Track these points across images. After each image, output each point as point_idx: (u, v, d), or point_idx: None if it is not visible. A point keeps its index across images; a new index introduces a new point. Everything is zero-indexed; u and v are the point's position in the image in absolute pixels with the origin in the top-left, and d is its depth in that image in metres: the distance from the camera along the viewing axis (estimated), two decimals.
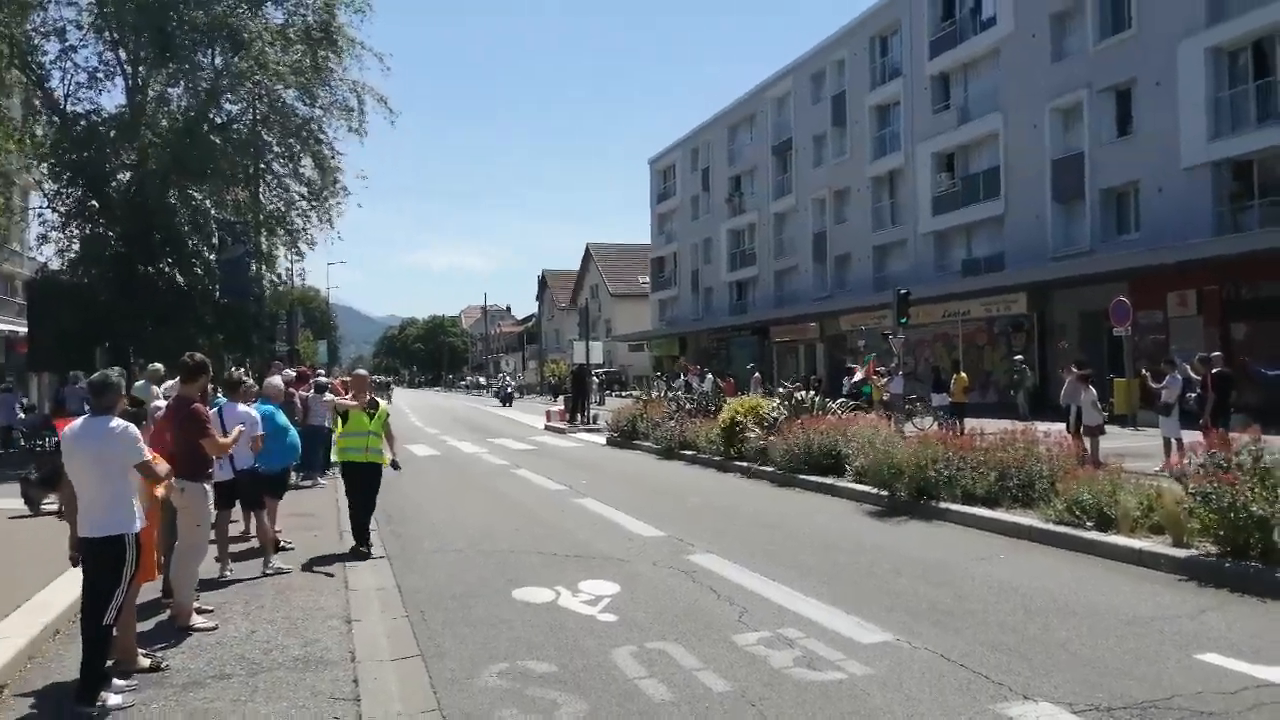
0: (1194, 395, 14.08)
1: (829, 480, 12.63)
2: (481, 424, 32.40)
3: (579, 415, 27.80)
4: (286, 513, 10.00)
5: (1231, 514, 7.02)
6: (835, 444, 12.98)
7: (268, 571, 8.11)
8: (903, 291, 23.78)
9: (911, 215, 36.39)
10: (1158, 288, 24.10)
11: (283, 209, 23.36)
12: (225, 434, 7.03)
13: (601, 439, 22.62)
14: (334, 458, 10.02)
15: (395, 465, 9.58)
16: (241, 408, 7.94)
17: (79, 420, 5.03)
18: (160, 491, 5.69)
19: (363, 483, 9.19)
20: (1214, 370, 13.72)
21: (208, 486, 6.56)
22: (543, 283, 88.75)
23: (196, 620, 6.40)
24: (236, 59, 20.85)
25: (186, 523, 6.38)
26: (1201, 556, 7.30)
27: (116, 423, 4.94)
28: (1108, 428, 15.96)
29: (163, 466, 5.22)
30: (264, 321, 24.99)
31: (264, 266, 23.70)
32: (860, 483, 11.97)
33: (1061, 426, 14.36)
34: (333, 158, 23.30)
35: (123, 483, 4.90)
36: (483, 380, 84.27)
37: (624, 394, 52.05)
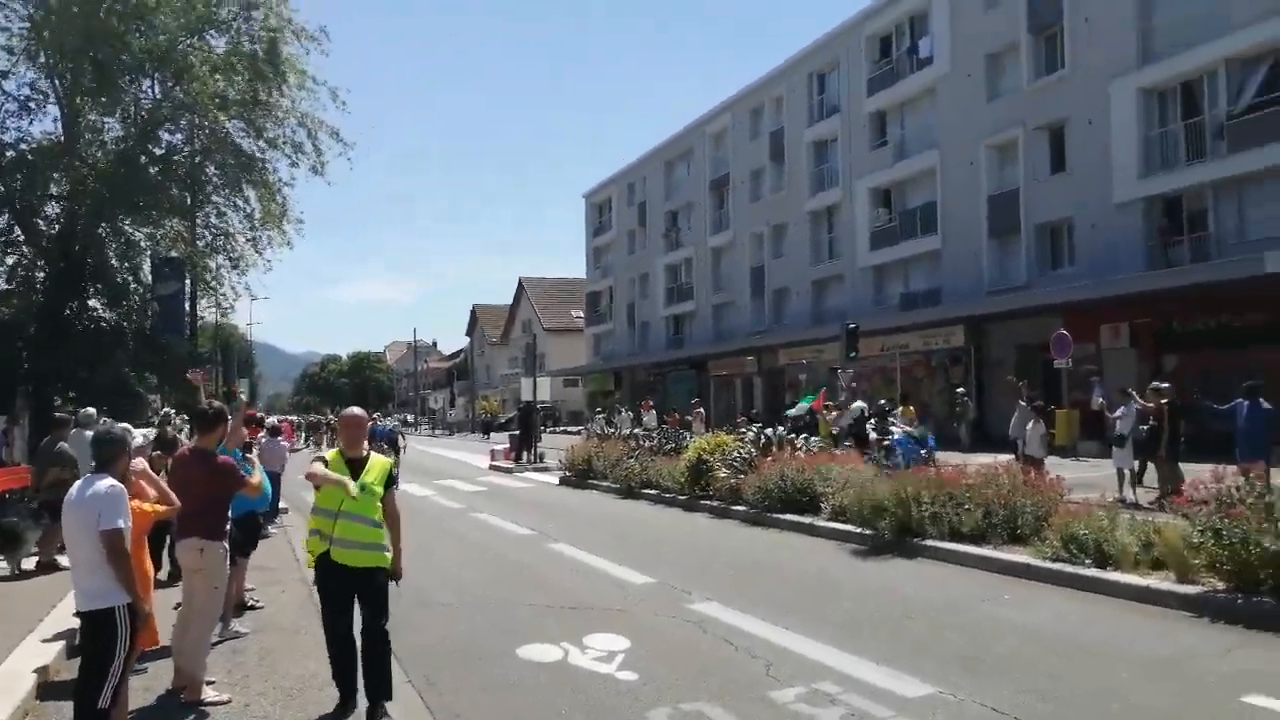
0: (1145, 427, 14.34)
1: (805, 519, 12.47)
2: (422, 464, 31.56)
3: (525, 454, 27.28)
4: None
5: (1243, 549, 7.02)
6: (811, 482, 12.85)
7: (225, 636, 7.49)
8: (851, 326, 23.99)
9: (849, 250, 36.93)
10: (1091, 321, 24.73)
11: (224, 239, 22.53)
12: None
13: (553, 479, 22.16)
14: (305, 552, 5.93)
15: (396, 576, 5.62)
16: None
17: (79, 481, 4.57)
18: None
19: (352, 597, 5.39)
20: (1164, 401, 14.03)
21: (226, 545, 6.09)
22: (473, 317, 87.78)
23: (208, 693, 5.88)
24: (176, 89, 20.12)
25: (204, 585, 5.90)
26: (1210, 593, 7.30)
27: (103, 484, 4.48)
28: (1049, 459, 16.26)
29: (141, 519, 4.77)
30: (201, 361, 23.98)
31: (207, 299, 22.79)
32: (839, 521, 11.84)
33: (1006, 457, 14.51)
34: (279, 193, 22.56)
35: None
36: (409, 418, 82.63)
37: (557, 430, 51.51)
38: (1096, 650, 6.48)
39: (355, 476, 5.24)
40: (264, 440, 13.51)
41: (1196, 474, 9.08)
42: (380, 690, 5.44)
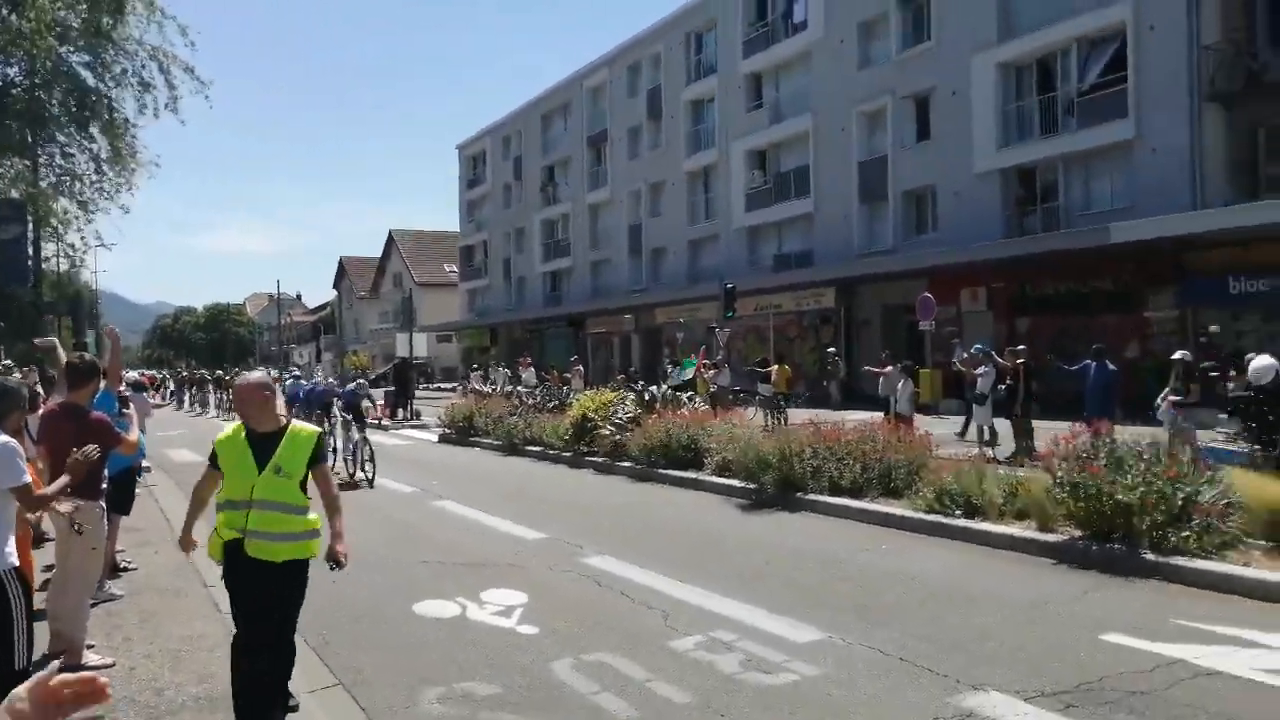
0: (1004, 386, 15.24)
1: (691, 475, 12.77)
2: None
3: (401, 411, 26.80)
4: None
5: (1097, 501, 7.62)
6: (695, 439, 13.14)
7: (100, 599, 7.18)
8: (729, 285, 24.42)
9: (725, 210, 37.45)
10: (952, 284, 25.97)
11: (69, 180, 20.98)
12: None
13: (431, 436, 21.88)
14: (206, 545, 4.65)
15: (336, 562, 4.57)
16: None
17: None
18: (66, 509, 4.98)
19: (263, 596, 4.42)
20: (1020, 362, 14.94)
21: (103, 504, 5.78)
22: (341, 269, 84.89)
23: (90, 657, 5.63)
24: (12, 15, 18.52)
25: (82, 547, 5.60)
26: (1069, 541, 7.90)
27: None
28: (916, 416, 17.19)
29: (53, 486, 4.51)
30: (45, 310, 22.41)
31: (53, 245, 21.22)
32: (723, 476, 12.17)
33: (875, 415, 15.25)
34: (127, 132, 21.14)
35: (3, 511, 4.19)
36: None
37: (430, 386, 50.67)
38: (971, 595, 6.94)
39: (265, 456, 4.31)
40: (129, 394, 12.80)
41: (1048, 430, 9.78)
42: (282, 702, 4.65)
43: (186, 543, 4.63)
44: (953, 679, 5.18)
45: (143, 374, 26.18)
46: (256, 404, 4.39)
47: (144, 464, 13.92)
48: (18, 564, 4.27)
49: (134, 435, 6.42)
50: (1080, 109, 24.47)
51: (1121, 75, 23.25)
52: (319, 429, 4.65)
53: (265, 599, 4.43)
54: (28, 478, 4.26)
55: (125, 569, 8.22)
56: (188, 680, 5.45)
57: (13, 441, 4.28)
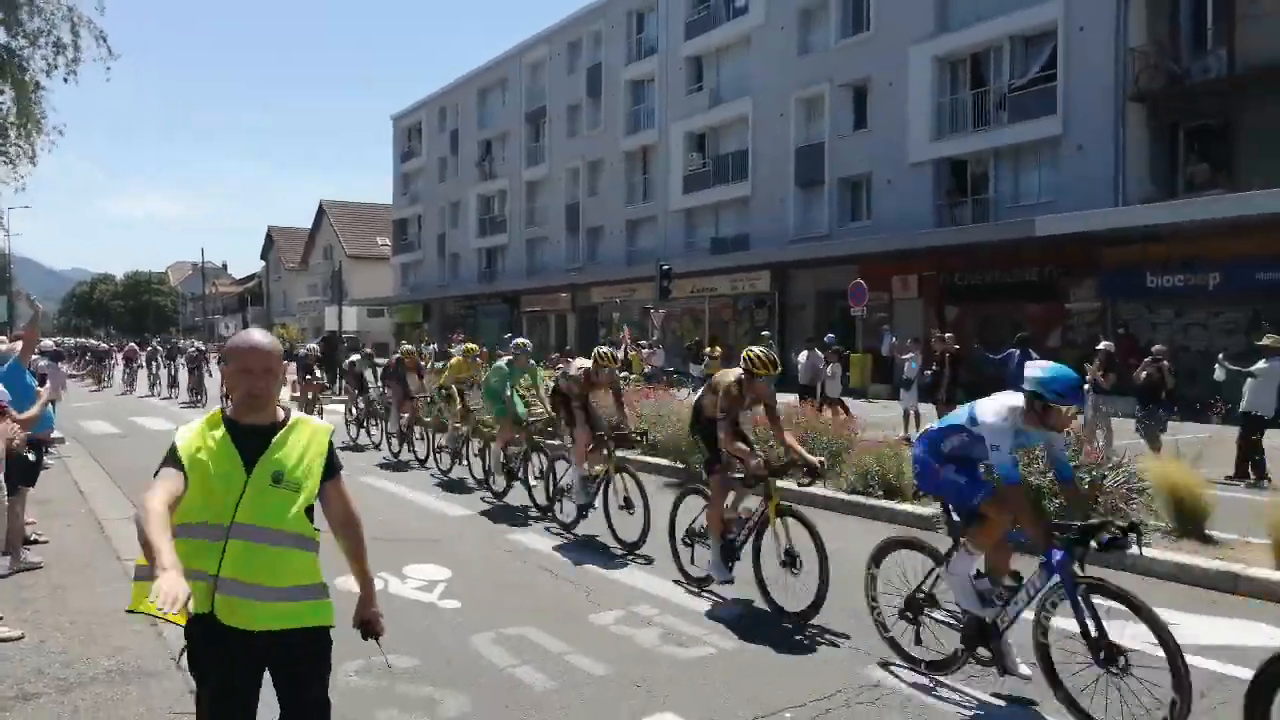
0: (929, 372, 15.63)
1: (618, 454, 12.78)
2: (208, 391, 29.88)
3: (329, 386, 26.29)
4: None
5: None
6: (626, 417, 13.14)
7: (19, 568, 7.04)
8: (665, 267, 24.50)
9: (663, 191, 37.51)
10: (884, 272, 26.44)
11: None
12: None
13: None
14: (160, 603, 2.27)
15: (371, 630, 3.44)
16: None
17: None
18: None
19: (258, 682, 2.96)
20: (946, 349, 15.33)
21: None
22: (269, 239, 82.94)
23: None
24: None
25: None
26: None
27: None
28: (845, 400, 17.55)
29: None
30: None
31: None
32: (652, 455, 12.24)
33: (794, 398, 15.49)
34: (34, 90, 20.26)
35: None
36: (198, 344, 77.75)
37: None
38: None
39: (254, 457, 2.79)
40: (44, 365, 12.39)
41: None
42: None
43: (170, 584, 2.29)
44: (865, 653, 5.33)
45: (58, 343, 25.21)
46: (265, 380, 2.82)
47: (56, 434, 13.55)
48: None
49: (33, 411, 6.21)
50: (1011, 104, 25.03)
51: (1051, 73, 23.83)
52: (331, 425, 3.03)
53: (249, 684, 2.87)
54: None
55: (35, 541, 7.99)
56: (100, 653, 5.34)
57: None
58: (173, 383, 28.28)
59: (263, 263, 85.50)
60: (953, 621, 4.99)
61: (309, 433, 2.92)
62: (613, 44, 40.27)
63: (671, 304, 32.19)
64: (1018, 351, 13.25)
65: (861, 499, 9.23)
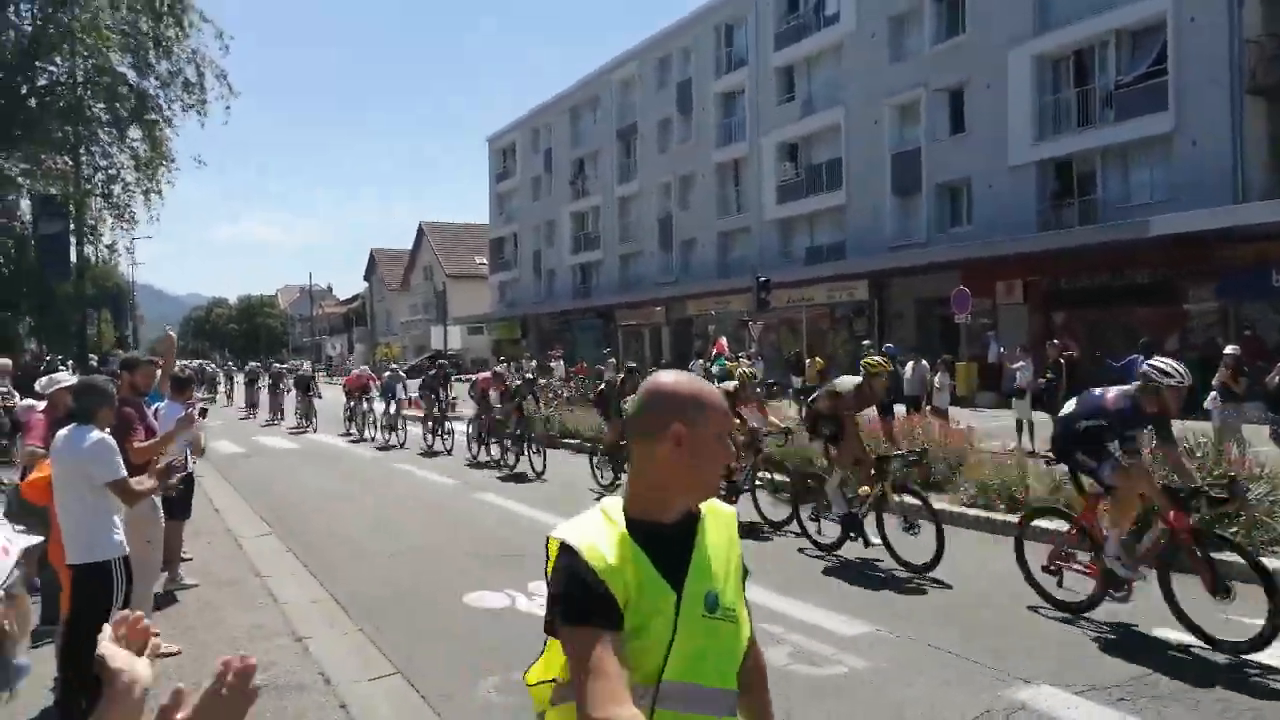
0: (1044, 380, 15.18)
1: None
2: (331, 411, 30.98)
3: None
4: None
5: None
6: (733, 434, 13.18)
7: (174, 586, 7.46)
8: (762, 279, 24.43)
9: (756, 203, 37.41)
10: (987, 277, 25.78)
11: (107, 181, 21.30)
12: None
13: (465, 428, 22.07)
14: None
15: None
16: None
17: (63, 433, 4.45)
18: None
19: None
20: (1065, 355, 14.87)
21: (157, 499, 5.94)
22: (372, 261, 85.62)
23: (155, 644, 5.79)
24: (60, 14, 18.83)
25: (137, 539, 5.76)
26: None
27: (94, 434, 4.40)
28: (952, 409, 17.17)
29: (147, 484, 4.66)
30: (86, 304, 22.78)
31: (89, 243, 21.53)
32: (769, 470, 12.18)
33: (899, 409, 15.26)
34: (165, 127, 21.45)
35: (105, 501, 4.38)
36: (306, 365, 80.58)
37: (462, 378, 50.93)
38: (1016, 590, 6.97)
39: (676, 576, 1.75)
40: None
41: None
42: None
43: None
44: (1003, 673, 5.23)
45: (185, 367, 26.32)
46: (717, 447, 1.80)
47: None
48: (128, 552, 4.47)
49: (155, 441, 6.36)
50: (1119, 101, 24.22)
51: (1161, 68, 22.99)
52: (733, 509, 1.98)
53: None
54: (123, 473, 4.45)
55: (184, 559, 8.44)
56: None
57: (108, 438, 4.45)
58: (276, 408, 27.83)
59: (366, 284, 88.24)
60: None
61: (724, 525, 1.87)
62: (702, 58, 40.42)
63: (768, 315, 32.06)
64: (1142, 357, 12.77)
65: (983, 513, 9.03)
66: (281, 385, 28.58)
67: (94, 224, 22.68)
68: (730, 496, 9.34)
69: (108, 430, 4.65)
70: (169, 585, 7.22)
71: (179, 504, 7.46)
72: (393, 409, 19.55)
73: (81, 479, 4.31)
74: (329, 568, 8.31)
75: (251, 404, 29.64)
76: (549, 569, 1.76)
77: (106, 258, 24.70)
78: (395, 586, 7.62)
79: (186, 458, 7.87)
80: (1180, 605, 5.75)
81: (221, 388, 40.25)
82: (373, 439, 20.00)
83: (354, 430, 21.17)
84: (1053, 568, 6.45)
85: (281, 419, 26.49)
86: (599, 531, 1.73)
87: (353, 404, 21.48)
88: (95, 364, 14.86)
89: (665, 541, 1.76)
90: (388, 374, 21.12)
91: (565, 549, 1.71)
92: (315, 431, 22.55)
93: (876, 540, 7.84)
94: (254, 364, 35.96)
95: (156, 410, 6.95)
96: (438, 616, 6.74)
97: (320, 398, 24.57)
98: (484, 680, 5.40)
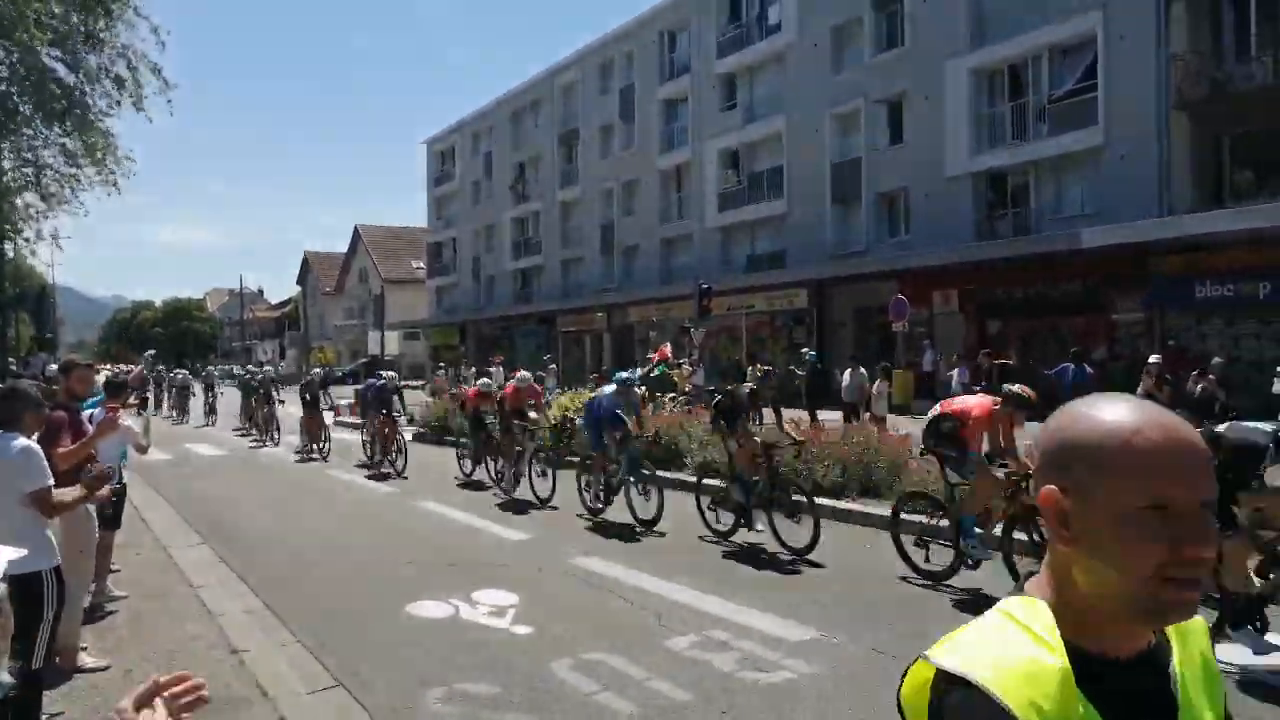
0: (979, 387, 15.51)
1: (672, 475, 12.78)
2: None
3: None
4: None
5: None
6: (677, 439, 13.19)
7: (101, 599, 7.17)
8: (704, 285, 24.53)
9: (698, 210, 37.57)
10: (924, 286, 26.22)
11: (36, 172, 20.55)
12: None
13: (405, 434, 21.69)
14: None
15: None
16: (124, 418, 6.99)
17: None
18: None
19: None
20: (998, 362, 15.22)
21: (90, 508, 5.70)
22: (305, 265, 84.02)
23: (85, 659, 5.57)
24: None
25: (70, 551, 5.52)
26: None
27: (19, 442, 4.20)
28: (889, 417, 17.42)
29: (70, 496, 4.46)
30: (6, 305, 21.92)
31: (9, 237, 20.72)
32: (706, 476, 12.20)
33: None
34: (99, 121, 20.78)
35: (31, 511, 4.18)
36: (236, 370, 78.53)
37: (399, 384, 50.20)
38: (956, 593, 7.07)
39: None
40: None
41: (1026, 432, 9.93)
42: None
43: None
44: None
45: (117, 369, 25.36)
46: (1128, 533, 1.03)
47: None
48: (59, 563, 4.27)
49: (78, 446, 6.16)
50: (1051, 115, 24.85)
51: (1092, 83, 23.64)
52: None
53: None
54: (48, 482, 4.25)
55: (111, 571, 8.14)
56: None
57: (34, 445, 4.25)
58: (210, 410, 27.51)
59: (299, 288, 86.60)
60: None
61: (1197, 650, 1.18)
62: (645, 64, 40.50)
63: (708, 322, 32.22)
64: (1072, 366, 13.12)
65: (922, 518, 9.12)
66: (215, 390, 27.88)
67: (15, 222, 21.91)
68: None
69: (35, 437, 4.45)
70: (97, 598, 6.94)
71: (109, 515, 7.18)
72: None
73: (8, 488, 4.11)
74: (267, 578, 8.07)
75: (180, 409, 28.76)
76: (910, 711, 1.11)
77: (35, 247, 23.56)
78: (339, 598, 7.44)
79: (120, 468, 7.61)
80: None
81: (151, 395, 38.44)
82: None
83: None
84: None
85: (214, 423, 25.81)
86: (1023, 661, 1.04)
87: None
88: (16, 368, 14.26)
89: (1124, 694, 1.07)
90: (309, 378, 20.56)
91: (960, 686, 1.03)
92: (278, 445, 20.78)
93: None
94: (182, 372, 34.26)
95: (91, 416, 6.70)
96: (383, 627, 6.58)
97: (284, 403, 22.46)
98: (430, 690, 5.29)
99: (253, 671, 5.61)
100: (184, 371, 34.49)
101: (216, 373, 34.54)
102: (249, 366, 37.38)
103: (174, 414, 28.90)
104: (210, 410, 27.50)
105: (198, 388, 29.98)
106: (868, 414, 17.46)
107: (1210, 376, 12.19)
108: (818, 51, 31.49)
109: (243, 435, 23.01)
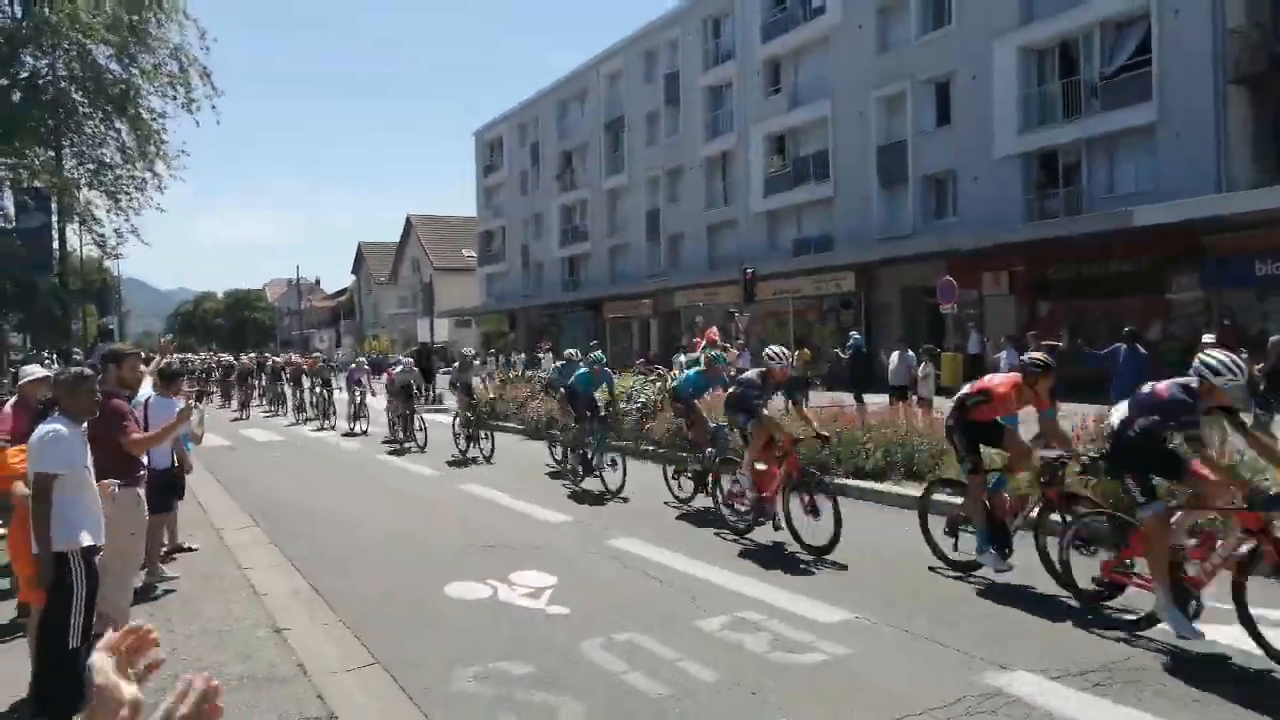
0: None
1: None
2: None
3: (423, 394, 26.92)
4: None
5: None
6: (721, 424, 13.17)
7: (156, 580, 7.43)
8: (749, 270, 24.43)
9: (744, 195, 37.39)
10: (973, 268, 25.84)
11: (96, 170, 21.13)
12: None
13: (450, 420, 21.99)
14: None
15: None
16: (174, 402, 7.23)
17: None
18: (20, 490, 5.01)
19: None
20: (1045, 344, 14.92)
21: (140, 491, 5.91)
22: (359, 255, 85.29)
23: None
24: (41, 9, 18.68)
25: (121, 531, 5.73)
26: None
27: (47, 427, 4.39)
28: (936, 399, 17.19)
29: (19, 489, 4.68)
30: (70, 299, 22.61)
31: (82, 236, 21.38)
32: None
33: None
34: (152, 121, 21.29)
35: (66, 493, 4.36)
36: (295, 358, 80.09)
37: (449, 370, 50.76)
38: (988, 577, 7.01)
39: None
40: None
41: (1072, 412, 9.79)
42: None
43: None
44: (979, 658, 5.26)
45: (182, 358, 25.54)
46: None
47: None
48: (88, 544, 4.45)
49: (152, 434, 6.38)
50: (1103, 92, 24.28)
51: (1145, 59, 23.04)
52: None
53: None
54: (48, 468, 4.38)
55: (185, 549, 8.47)
56: (229, 659, 5.60)
57: (60, 429, 4.42)
58: (278, 399, 27.15)
59: (354, 277, 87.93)
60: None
61: None
62: (689, 51, 40.34)
63: (755, 306, 32.06)
64: (1125, 347, 12.83)
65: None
66: (284, 378, 27.93)
67: (81, 217, 22.53)
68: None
69: (85, 424, 4.62)
70: (149, 578, 7.19)
71: (159, 500, 7.40)
72: (357, 399, 20.22)
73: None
74: (313, 559, 8.28)
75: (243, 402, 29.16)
76: None
77: (104, 248, 23.86)
78: (380, 580, 7.60)
79: (172, 456, 7.86)
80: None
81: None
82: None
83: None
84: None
85: (284, 412, 26.09)
86: None
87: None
88: (81, 357, 14.75)
89: None
90: (353, 366, 21.79)
91: None
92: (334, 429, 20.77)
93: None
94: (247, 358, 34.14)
95: (148, 402, 6.94)
96: (422, 608, 6.72)
97: (374, 394, 20.99)
98: (462, 669, 5.40)
99: (294, 649, 5.78)
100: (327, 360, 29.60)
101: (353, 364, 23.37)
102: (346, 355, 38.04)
103: (316, 416, 23.09)
104: (356, 415, 20.47)
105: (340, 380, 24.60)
106: (915, 397, 17.29)
107: (1242, 354, 11.79)
108: (862, 33, 31.10)
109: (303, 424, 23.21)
